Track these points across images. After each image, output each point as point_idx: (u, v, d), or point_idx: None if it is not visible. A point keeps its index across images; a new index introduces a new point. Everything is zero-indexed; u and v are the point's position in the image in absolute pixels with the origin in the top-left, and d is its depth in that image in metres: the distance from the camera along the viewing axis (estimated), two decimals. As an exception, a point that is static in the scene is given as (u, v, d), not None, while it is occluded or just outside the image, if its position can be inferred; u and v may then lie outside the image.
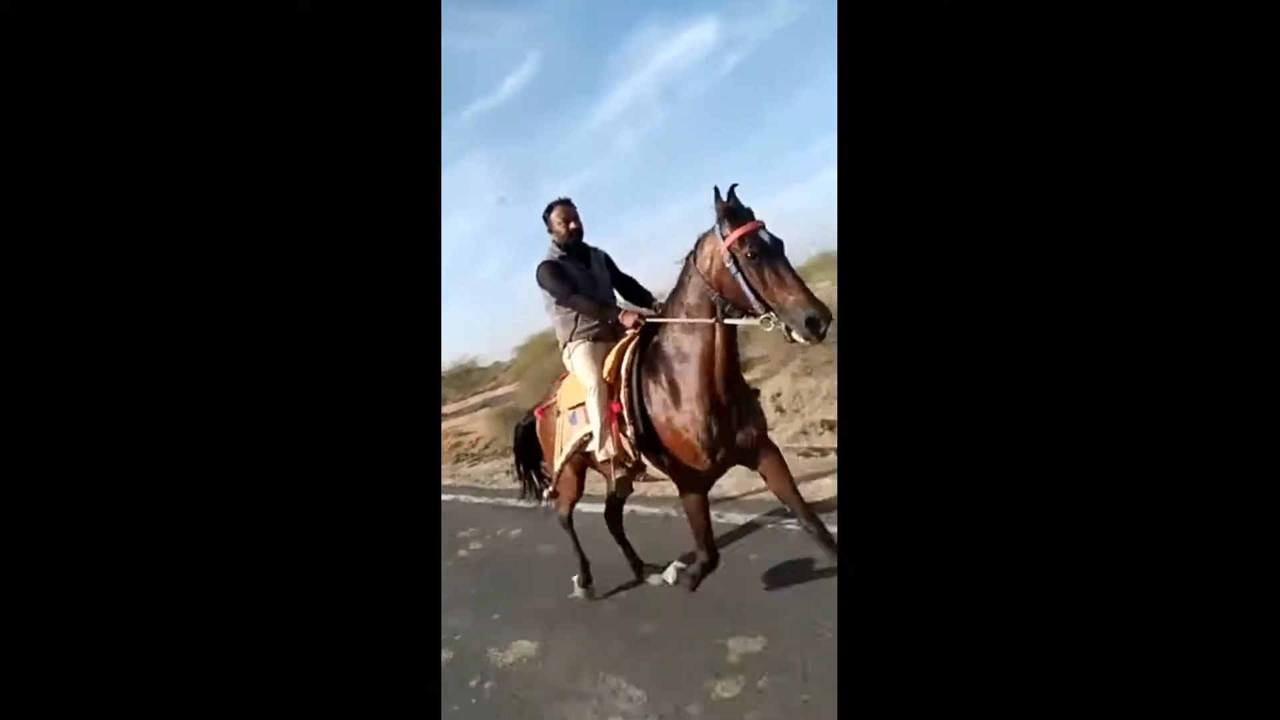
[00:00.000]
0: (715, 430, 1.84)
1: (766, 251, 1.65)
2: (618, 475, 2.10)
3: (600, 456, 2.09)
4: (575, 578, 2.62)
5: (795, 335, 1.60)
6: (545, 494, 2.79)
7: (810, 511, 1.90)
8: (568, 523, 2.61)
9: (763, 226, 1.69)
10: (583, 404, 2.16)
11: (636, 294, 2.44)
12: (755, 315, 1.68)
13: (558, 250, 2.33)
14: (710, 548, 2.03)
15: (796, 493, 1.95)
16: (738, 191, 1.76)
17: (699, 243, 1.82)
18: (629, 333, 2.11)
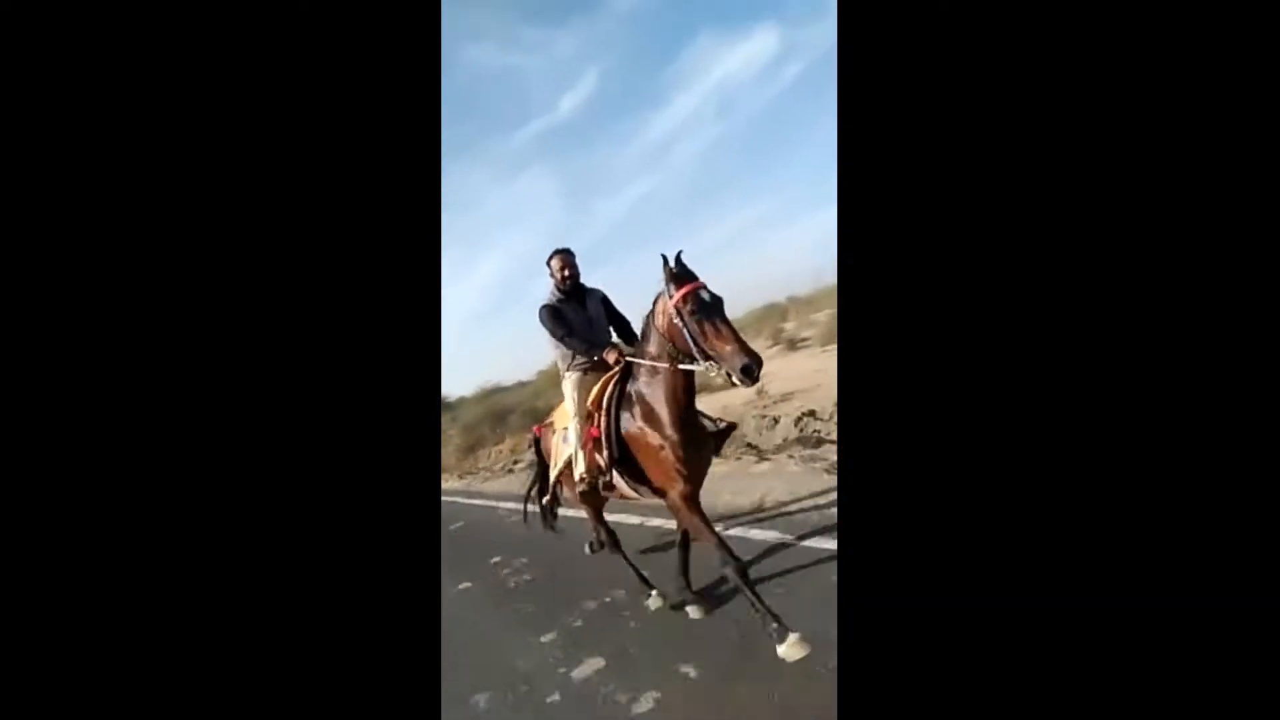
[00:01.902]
0: (685, 451, 2.14)
1: (705, 308, 1.95)
2: (582, 489, 2.45)
3: (576, 474, 2.43)
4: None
5: (734, 379, 1.87)
6: (544, 500, 3.15)
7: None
8: (608, 531, 3.01)
9: (703, 286, 2.00)
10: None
11: (627, 332, 2.78)
12: (701, 363, 1.97)
13: (557, 294, 2.69)
14: (718, 540, 2.03)
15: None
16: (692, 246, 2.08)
17: (655, 300, 2.15)
18: (613, 368, 2.44)
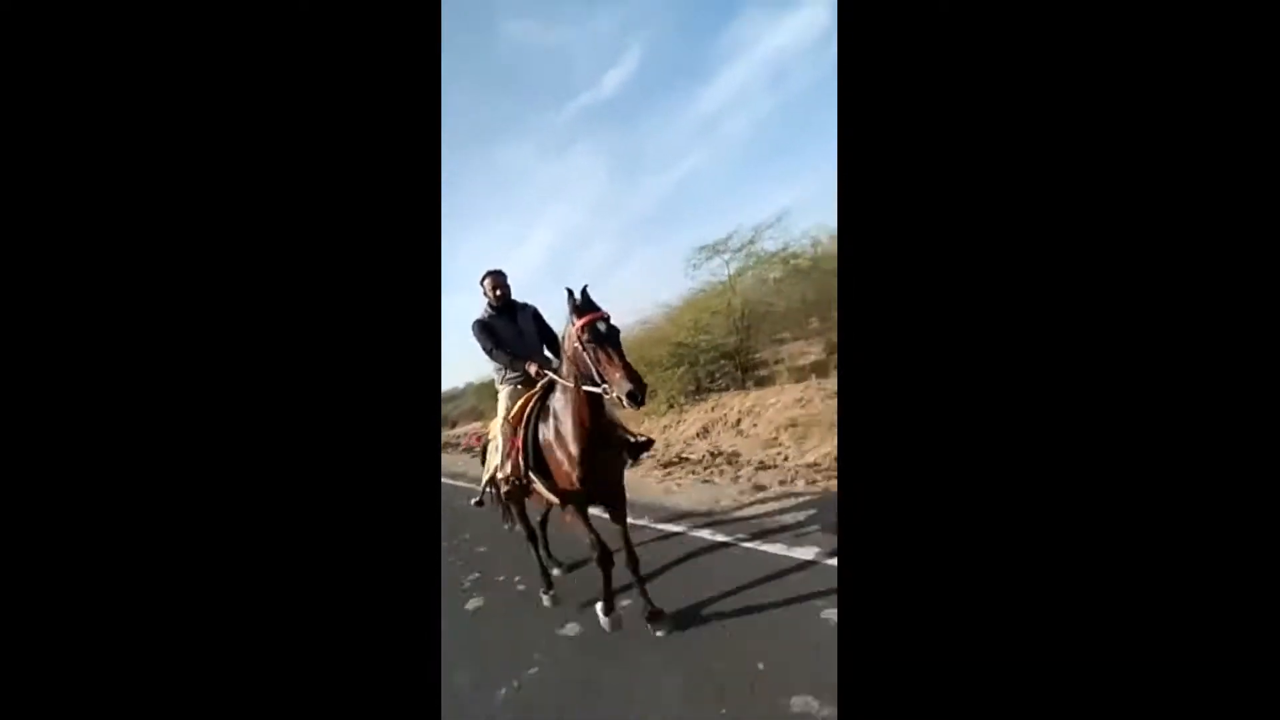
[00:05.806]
0: (583, 466, 2.34)
1: (600, 338, 2.12)
2: (506, 489, 2.71)
3: (500, 476, 2.70)
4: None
5: (624, 402, 2.06)
6: (481, 498, 3.42)
7: (633, 554, 2.57)
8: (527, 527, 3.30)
9: (602, 319, 2.18)
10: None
11: (555, 345, 3.00)
12: (600, 385, 2.15)
13: (490, 310, 2.92)
14: (597, 543, 2.45)
15: (626, 533, 2.57)
16: None
17: (566, 327, 2.31)
18: (537, 383, 2.69)
